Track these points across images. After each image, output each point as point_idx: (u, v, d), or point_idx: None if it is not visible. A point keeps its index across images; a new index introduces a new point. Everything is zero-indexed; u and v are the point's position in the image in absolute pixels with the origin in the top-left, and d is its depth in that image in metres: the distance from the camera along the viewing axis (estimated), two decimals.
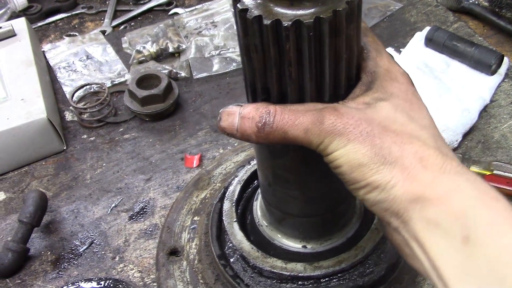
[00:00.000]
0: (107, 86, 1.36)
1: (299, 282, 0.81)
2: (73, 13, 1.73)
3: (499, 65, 1.29)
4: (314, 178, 0.72)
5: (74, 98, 1.33)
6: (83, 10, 1.74)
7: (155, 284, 0.97)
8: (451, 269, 0.52)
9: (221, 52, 1.45)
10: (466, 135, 1.16)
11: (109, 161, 1.22)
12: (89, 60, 1.49)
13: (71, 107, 1.34)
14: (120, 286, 0.90)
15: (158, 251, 0.97)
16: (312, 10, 0.55)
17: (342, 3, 0.55)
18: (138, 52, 1.46)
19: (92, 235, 1.07)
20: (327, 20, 0.55)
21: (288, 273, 0.80)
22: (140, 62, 1.45)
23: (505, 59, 1.30)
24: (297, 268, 0.80)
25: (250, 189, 0.97)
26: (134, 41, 1.51)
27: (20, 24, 1.47)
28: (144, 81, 1.31)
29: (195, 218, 1.00)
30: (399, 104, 0.59)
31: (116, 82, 1.42)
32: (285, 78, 0.60)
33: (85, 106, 1.32)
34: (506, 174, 1.02)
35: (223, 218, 0.89)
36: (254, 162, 0.98)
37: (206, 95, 1.36)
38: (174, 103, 1.30)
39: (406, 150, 0.55)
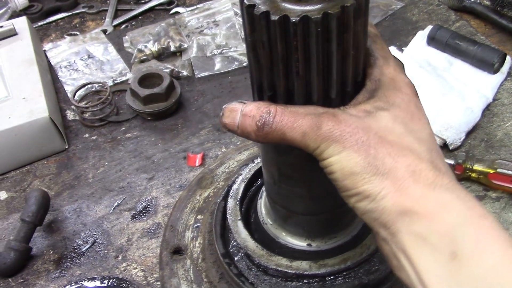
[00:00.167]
0: (109, 85, 1.36)
1: (304, 280, 0.80)
2: (74, 12, 1.73)
3: (501, 63, 1.28)
4: (319, 175, 0.71)
5: (76, 97, 1.33)
6: (83, 10, 1.74)
7: (158, 283, 0.97)
8: (437, 284, 0.53)
9: (223, 51, 1.45)
10: (469, 134, 1.16)
11: (111, 160, 1.22)
12: (91, 59, 1.49)
13: (72, 106, 1.34)
14: (124, 285, 0.90)
15: (161, 250, 0.97)
16: (320, 5, 0.55)
17: None
18: (140, 51, 1.45)
19: (94, 234, 1.07)
20: (335, 16, 0.54)
21: (293, 271, 0.79)
22: (142, 61, 1.45)
23: (508, 57, 1.30)
24: (302, 266, 0.80)
25: (254, 188, 0.96)
26: (135, 40, 1.51)
27: (21, 23, 1.46)
28: (146, 80, 1.30)
29: (199, 216, 1.00)
30: (399, 115, 0.59)
31: (118, 81, 1.42)
32: (292, 74, 0.59)
33: (87, 105, 1.32)
34: (510, 172, 1.02)
35: (227, 216, 0.89)
36: (258, 160, 0.97)
37: (208, 94, 1.36)
38: (176, 102, 1.29)
39: (399, 163, 0.55)
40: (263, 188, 0.90)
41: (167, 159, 1.20)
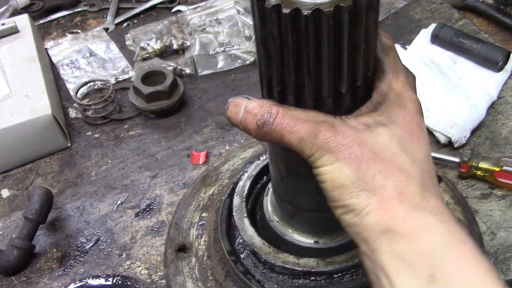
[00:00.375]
0: (112, 83, 1.35)
1: (312, 278, 0.80)
2: (75, 10, 1.73)
3: (505, 61, 1.28)
4: None
5: (78, 95, 1.32)
6: (85, 8, 1.73)
7: (163, 281, 0.96)
8: None
9: (226, 49, 1.45)
10: (474, 132, 1.16)
11: (114, 158, 1.21)
12: (93, 57, 1.48)
13: (75, 104, 1.33)
14: (129, 282, 0.89)
15: (166, 247, 0.96)
16: None
17: None
18: (142, 49, 1.45)
19: (98, 232, 1.06)
20: (347, 9, 0.54)
21: (301, 269, 0.79)
22: (144, 59, 1.44)
23: None
24: (310, 263, 0.79)
25: (259, 185, 0.96)
26: (138, 38, 1.50)
27: (23, 21, 1.46)
28: (149, 77, 1.30)
29: (203, 214, 0.99)
30: (398, 133, 0.59)
31: (120, 79, 1.41)
32: (303, 69, 0.59)
33: (89, 103, 1.31)
34: None
35: (233, 213, 0.88)
36: (264, 157, 0.97)
37: (211, 92, 1.36)
38: (179, 100, 1.29)
39: (388, 182, 0.56)
40: (269, 185, 0.90)
41: (171, 157, 1.20)
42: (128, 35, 1.54)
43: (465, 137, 1.13)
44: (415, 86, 0.68)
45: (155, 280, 0.97)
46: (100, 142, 1.25)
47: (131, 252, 1.02)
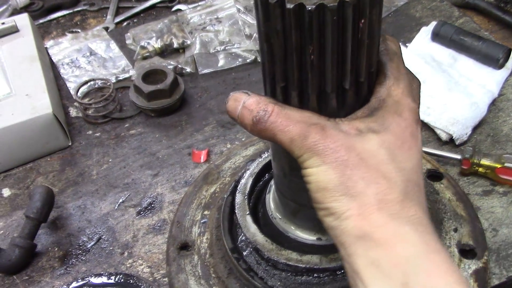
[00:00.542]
0: (112, 82, 1.35)
1: (315, 275, 0.80)
2: (75, 10, 1.72)
3: (506, 59, 1.28)
4: None
5: (79, 94, 1.32)
6: (85, 7, 1.73)
7: (165, 279, 0.96)
8: None
9: (226, 48, 1.44)
10: (475, 129, 1.16)
11: (115, 157, 1.21)
12: (93, 56, 1.48)
13: (75, 103, 1.33)
14: (131, 281, 0.89)
15: (168, 245, 0.96)
16: None
17: None
18: (143, 48, 1.45)
19: (99, 231, 1.06)
20: (351, 3, 0.54)
21: (304, 266, 0.79)
22: (145, 58, 1.44)
23: None
24: (313, 260, 0.79)
25: (261, 182, 0.96)
26: (138, 37, 1.50)
27: (23, 20, 1.45)
28: (150, 76, 1.29)
29: (205, 212, 0.99)
30: (388, 140, 0.60)
31: (121, 78, 1.41)
32: (306, 64, 0.59)
33: (90, 102, 1.31)
34: None
35: (236, 211, 0.88)
36: (265, 155, 0.97)
37: (212, 91, 1.35)
38: (180, 99, 1.29)
39: (369, 189, 0.57)
40: (272, 183, 0.89)
41: (172, 155, 1.20)
42: (128, 34, 1.54)
43: (466, 134, 1.13)
44: (418, 93, 0.68)
45: (157, 278, 0.97)
46: (101, 141, 1.25)
47: (133, 251, 1.02)
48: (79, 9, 1.72)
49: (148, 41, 1.46)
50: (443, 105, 1.17)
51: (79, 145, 1.25)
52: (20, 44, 1.37)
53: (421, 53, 1.33)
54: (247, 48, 1.44)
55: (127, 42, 1.52)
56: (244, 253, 0.86)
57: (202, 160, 1.17)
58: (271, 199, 0.88)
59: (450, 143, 1.14)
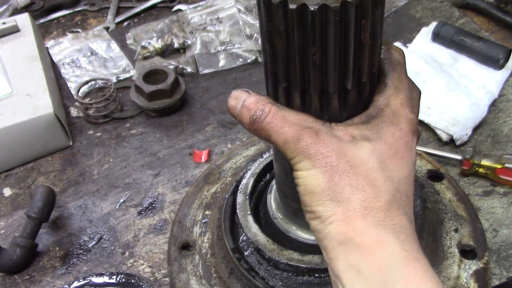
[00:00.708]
0: (113, 82, 1.35)
1: (316, 275, 0.80)
2: (76, 10, 1.72)
3: (506, 59, 1.29)
4: None
5: (79, 94, 1.32)
6: (85, 7, 1.73)
7: (166, 279, 0.96)
8: None
9: (227, 48, 1.45)
10: (475, 129, 1.16)
11: (116, 157, 1.21)
12: (93, 56, 1.48)
13: (76, 103, 1.33)
14: (132, 280, 0.89)
15: (169, 245, 0.96)
16: None
17: None
18: (143, 48, 1.45)
19: (100, 231, 1.06)
20: (353, 4, 0.54)
21: (305, 266, 0.79)
22: (145, 58, 1.45)
23: None
24: (314, 260, 0.79)
25: (262, 183, 0.96)
26: (139, 37, 1.50)
27: (24, 20, 1.45)
28: (151, 76, 1.30)
29: (207, 212, 0.99)
30: (380, 149, 0.60)
31: (121, 78, 1.41)
32: (308, 64, 0.59)
33: (91, 102, 1.31)
34: None
35: (237, 211, 0.88)
36: (267, 155, 0.97)
37: (212, 91, 1.36)
38: (181, 99, 1.29)
39: (355, 195, 0.58)
40: (273, 183, 0.90)
41: (173, 155, 1.20)
42: (129, 34, 1.54)
43: (466, 134, 1.13)
44: (417, 103, 0.68)
45: (158, 278, 0.97)
46: (102, 140, 1.25)
47: (134, 250, 1.02)
48: (79, 9, 1.73)
49: (148, 41, 1.46)
50: (443, 106, 1.17)
51: (80, 145, 1.25)
52: (21, 44, 1.38)
53: (422, 53, 1.33)
54: (247, 48, 1.44)
55: (128, 42, 1.52)
56: (246, 253, 0.86)
57: (203, 160, 1.17)
58: (272, 199, 0.88)
59: (450, 143, 1.14)
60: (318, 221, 0.59)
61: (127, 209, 1.09)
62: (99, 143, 1.25)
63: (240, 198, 0.90)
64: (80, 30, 1.62)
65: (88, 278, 0.90)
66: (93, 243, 1.04)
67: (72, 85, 1.39)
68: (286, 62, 0.60)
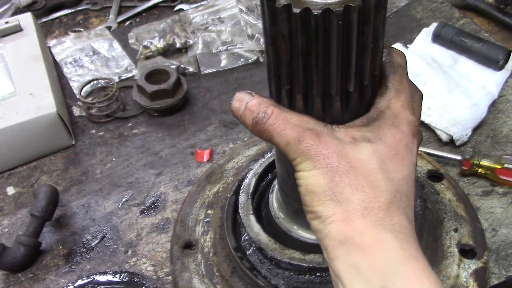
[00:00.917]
0: (115, 81, 1.36)
1: (317, 274, 0.81)
2: (77, 9, 1.73)
3: (506, 60, 1.30)
4: None
5: (82, 93, 1.33)
6: (87, 6, 1.73)
7: (168, 277, 0.97)
8: None
9: (229, 48, 1.45)
10: (475, 130, 1.17)
11: (118, 156, 1.22)
12: (96, 56, 1.49)
13: (79, 102, 1.34)
14: (136, 279, 0.90)
15: (172, 244, 0.97)
16: None
17: None
18: (145, 47, 1.46)
19: (103, 229, 1.07)
20: (356, 8, 0.55)
21: (307, 265, 0.80)
22: (147, 58, 1.45)
23: None
24: (316, 259, 0.80)
25: (264, 182, 0.97)
26: (141, 37, 1.51)
27: (26, 19, 1.46)
28: (153, 76, 1.30)
29: (209, 211, 1.00)
30: (380, 150, 0.61)
31: (124, 78, 1.42)
32: (311, 67, 0.60)
33: (93, 101, 1.31)
34: None
35: (239, 210, 0.89)
36: (269, 155, 0.98)
37: (214, 90, 1.36)
38: (183, 98, 1.30)
39: (355, 196, 0.59)
40: (275, 183, 0.91)
41: (175, 154, 1.21)
42: (131, 33, 1.55)
43: (466, 135, 1.14)
44: (419, 106, 0.69)
45: (161, 276, 0.98)
46: (105, 140, 1.26)
47: (137, 249, 1.03)
48: (81, 8, 1.73)
49: (150, 40, 1.47)
50: (443, 106, 1.18)
51: (83, 144, 1.26)
52: (23, 43, 1.38)
53: (422, 54, 1.34)
54: (249, 48, 1.45)
55: (130, 41, 1.53)
56: (248, 252, 0.87)
57: (204, 160, 1.18)
58: (274, 199, 0.89)
59: (450, 144, 1.15)
60: (318, 221, 0.60)
61: (130, 208, 1.10)
62: (102, 142, 1.26)
63: (242, 197, 0.91)
64: (82, 30, 1.63)
65: (92, 277, 0.91)
66: (96, 241, 1.05)
67: (74, 85, 1.40)
68: (289, 64, 0.61)
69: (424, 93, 0.72)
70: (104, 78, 1.38)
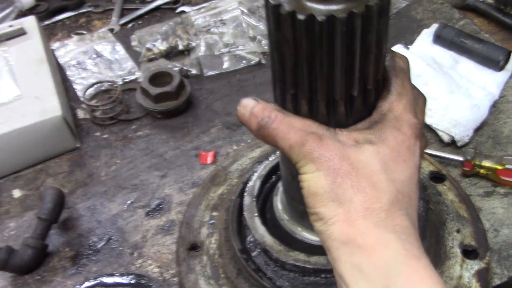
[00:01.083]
0: (119, 84, 1.37)
1: (322, 275, 0.82)
2: (80, 11, 1.73)
3: (506, 61, 1.31)
4: None
5: (86, 96, 1.34)
6: (90, 9, 1.74)
7: (174, 279, 0.98)
8: None
9: (231, 50, 1.46)
10: (476, 131, 1.18)
11: (123, 158, 1.23)
12: (99, 58, 1.50)
13: (83, 105, 1.35)
14: (143, 280, 0.91)
15: (177, 246, 0.98)
16: (345, 5, 0.56)
17: None
18: (148, 50, 1.47)
19: (109, 231, 1.08)
20: (360, 14, 0.56)
21: (311, 266, 0.81)
22: (150, 60, 1.46)
23: None
24: (321, 261, 0.81)
25: (268, 184, 0.97)
26: (143, 39, 1.52)
27: (30, 23, 1.47)
28: (156, 78, 1.31)
29: (214, 213, 1.01)
30: (383, 152, 0.62)
31: (127, 80, 1.43)
32: (316, 72, 0.61)
33: (97, 104, 1.33)
34: None
35: (244, 213, 0.90)
36: (273, 157, 0.99)
37: (217, 93, 1.37)
38: (186, 100, 1.31)
39: (357, 197, 0.59)
40: (279, 185, 0.92)
41: (179, 157, 1.22)
42: (134, 36, 1.56)
43: (468, 136, 1.15)
44: (422, 109, 0.70)
45: (167, 278, 0.99)
46: (109, 142, 1.27)
47: (143, 251, 1.04)
48: (84, 10, 1.74)
49: (153, 43, 1.48)
50: (444, 107, 1.19)
51: (88, 146, 1.27)
52: (28, 47, 1.39)
53: (423, 55, 1.35)
54: (251, 50, 1.46)
55: (133, 44, 1.54)
56: (253, 254, 0.88)
57: (209, 162, 1.19)
58: (278, 201, 0.90)
59: (452, 144, 1.16)
60: (321, 222, 0.61)
61: (135, 210, 1.12)
62: (106, 144, 1.27)
63: (247, 200, 0.92)
64: (85, 32, 1.64)
65: (99, 279, 0.92)
66: (102, 243, 1.06)
67: (78, 87, 1.41)
68: (294, 70, 0.62)
69: (425, 94, 0.73)
70: (107, 81, 1.39)
